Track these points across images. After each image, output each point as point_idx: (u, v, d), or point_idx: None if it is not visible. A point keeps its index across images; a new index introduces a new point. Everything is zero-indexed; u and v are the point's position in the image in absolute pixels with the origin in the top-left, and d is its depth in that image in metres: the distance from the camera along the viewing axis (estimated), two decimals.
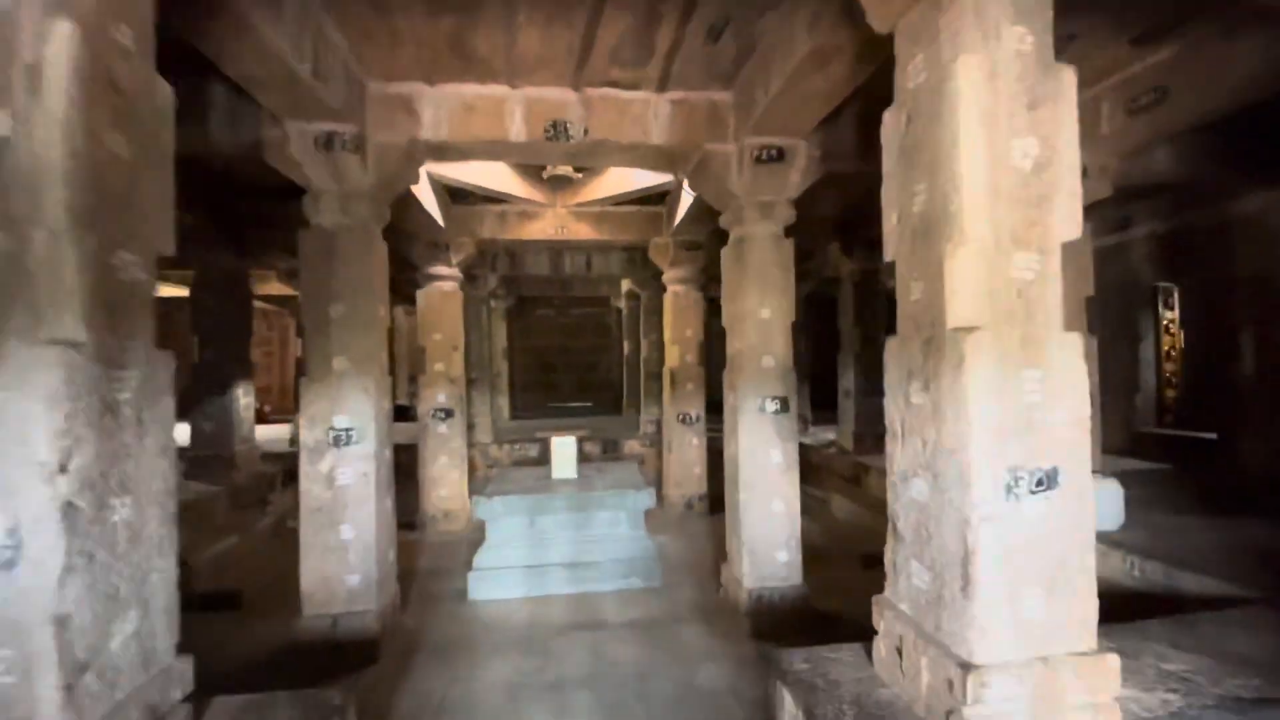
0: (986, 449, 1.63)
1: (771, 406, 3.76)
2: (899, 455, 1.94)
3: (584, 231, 6.16)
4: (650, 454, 8.22)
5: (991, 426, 1.63)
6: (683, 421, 6.33)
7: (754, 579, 3.72)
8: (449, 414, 6.02)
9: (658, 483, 6.97)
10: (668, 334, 6.50)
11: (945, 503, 1.72)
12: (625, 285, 10.32)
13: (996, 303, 1.65)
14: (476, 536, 4.66)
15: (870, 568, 4.83)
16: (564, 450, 4.91)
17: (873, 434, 6.71)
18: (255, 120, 3.42)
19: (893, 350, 1.97)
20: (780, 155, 3.59)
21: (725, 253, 4.04)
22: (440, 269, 6.01)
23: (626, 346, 11.30)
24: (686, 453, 6.34)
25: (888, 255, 2.00)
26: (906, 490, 1.91)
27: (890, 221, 1.99)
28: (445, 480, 6.01)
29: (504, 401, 11.04)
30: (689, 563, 4.97)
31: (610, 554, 4.41)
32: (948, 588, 1.71)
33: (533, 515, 4.39)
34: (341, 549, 3.42)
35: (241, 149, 3.50)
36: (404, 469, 6.45)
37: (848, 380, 6.81)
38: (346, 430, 3.44)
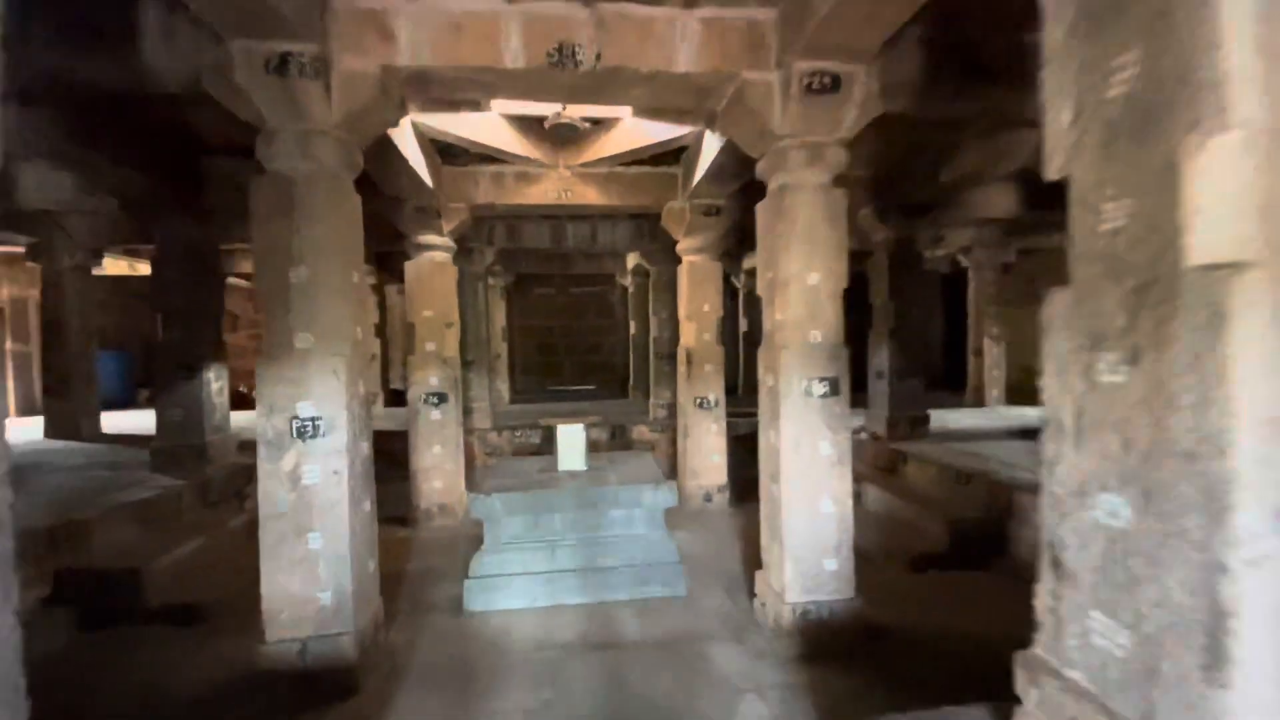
0: (1258, 456, 1.04)
1: (819, 389, 3.17)
2: (1070, 458, 1.35)
3: (590, 195, 5.53)
4: (661, 440, 7.66)
5: (1267, 420, 1.04)
6: (701, 406, 5.76)
7: (798, 591, 3.16)
8: (442, 399, 5.44)
9: (672, 472, 6.42)
10: (683, 309, 5.89)
11: (1170, 534, 1.13)
12: (632, 261, 9.69)
13: (1277, 226, 1.05)
14: (475, 532, 4.11)
15: (920, 570, 4.30)
16: (571, 439, 4.34)
17: (908, 419, 6.14)
18: (195, 41, 2.79)
19: (1062, 307, 1.37)
20: (835, 84, 2.95)
21: (762, 208, 3.42)
22: (430, 237, 5.38)
23: (633, 326, 10.69)
24: (705, 440, 5.77)
25: (1052, 171, 1.39)
26: (1084, 510, 1.32)
27: (1059, 122, 1.37)
28: (440, 471, 5.45)
29: (504, 385, 10.47)
30: (714, 565, 4.42)
31: (626, 558, 3.86)
32: (1172, 661, 1.13)
33: (537, 514, 3.83)
34: (310, 561, 2.85)
35: (181, 78, 2.87)
36: (397, 458, 5.92)
37: (880, 360, 6.22)
38: (313, 420, 2.86)
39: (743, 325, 11.01)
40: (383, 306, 10.29)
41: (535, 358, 12.63)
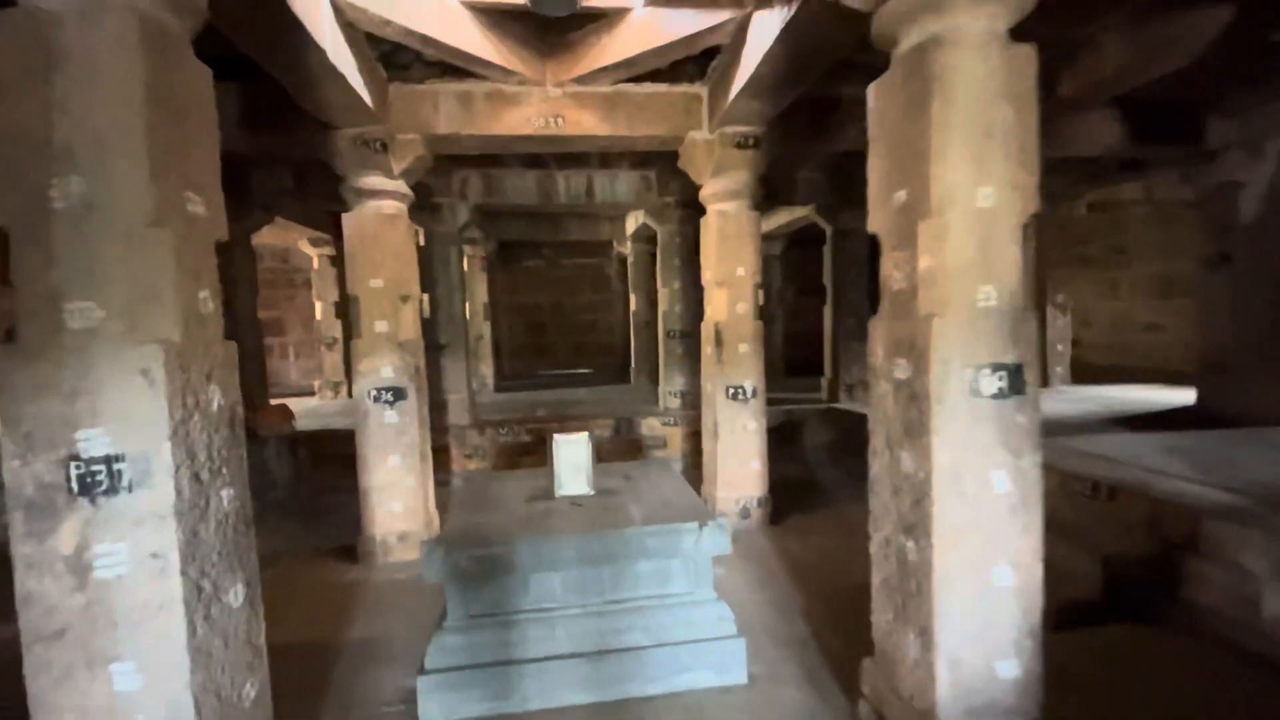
0: None
1: (992, 384, 1.90)
2: None
3: (587, 123, 4.18)
4: (675, 436, 6.41)
5: None
6: (735, 398, 4.48)
7: (957, 709, 1.93)
8: (399, 395, 4.13)
9: (694, 479, 5.18)
10: (709, 273, 4.58)
11: None
12: (633, 224, 8.32)
13: None
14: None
15: (1064, 627, 3.10)
16: (573, 455, 3.07)
17: None
18: None
19: None
20: None
21: (882, 89, 2.11)
22: (375, 180, 4.02)
23: (633, 301, 9.36)
24: (741, 441, 4.51)
25: None
26: None
27: None
28: (397, 490, 4.16)
29: (488, 370, 9.14)
30: (774, 622, 3.19)
31: (659, 633, 2.62)
32: None
33: (526, 574, 2.57)
34: (116, 715, 1.58)
35: None
36: (341, 462, 4.61)
37: None
38: (109, 462, 1.56)
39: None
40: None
41: (524, 339, 11.28)
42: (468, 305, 8.92)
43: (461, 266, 6.27)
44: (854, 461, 6.48)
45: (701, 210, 4.66)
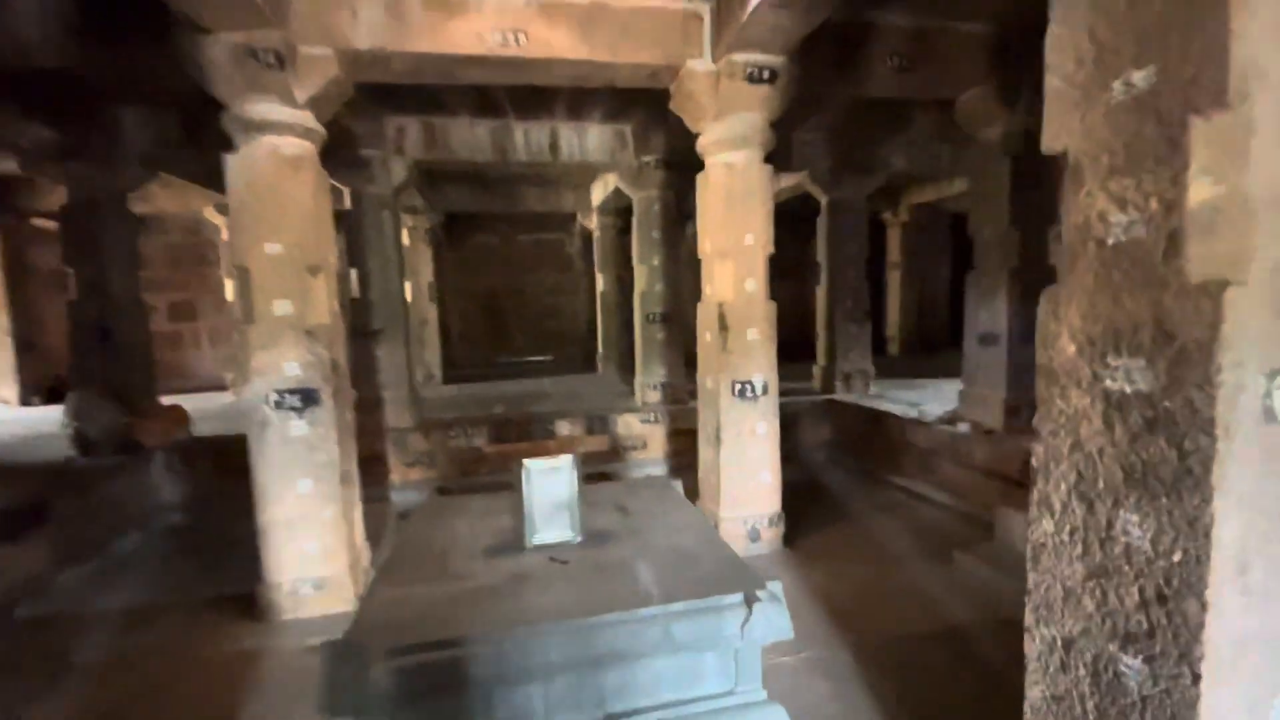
0: None
1: None
2: None
3: (558, 44, 3.21)
4: (654, 435, 5.55)
5: None
6: (743, 395, 3.65)
7: None
8: (309, 399, 3.11)
9: (687, 492, 4.35)
10: (709, 242, 3.71)
11: None
12: (600, 192, 7.35)
13: None
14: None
15: None
16: (551, 489, 2.16)
17: (1031, 402, 4.23)
18: None
19: None
20: None
21: None
22: (269, 108, 2.95)
23: (601, 281, 8.42)
24: (749, 448, 3.69)
25: None
26: None
27: None
28: (311, 524, 3.16)
29: (434, 360, 8.05)
30: (834, 707, 2.38)
31: None
32: None
33: (490, 687, 1.66)
34: None
35: None
36: (233, 484, 3.56)
37: (991, 316, 4.26)
38: None
39: None
40: None
41: (477, 324, 10.18)
42: (409, 285, 7.81)
43: (398, 236, 5.20)
44: (856, 461, 5.85)
45: (688, 172, 3.78)
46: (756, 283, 3.62)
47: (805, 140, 5.82)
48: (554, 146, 5.28)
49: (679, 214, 5.89)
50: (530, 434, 5.29)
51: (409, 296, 7.84)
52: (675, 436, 5.58)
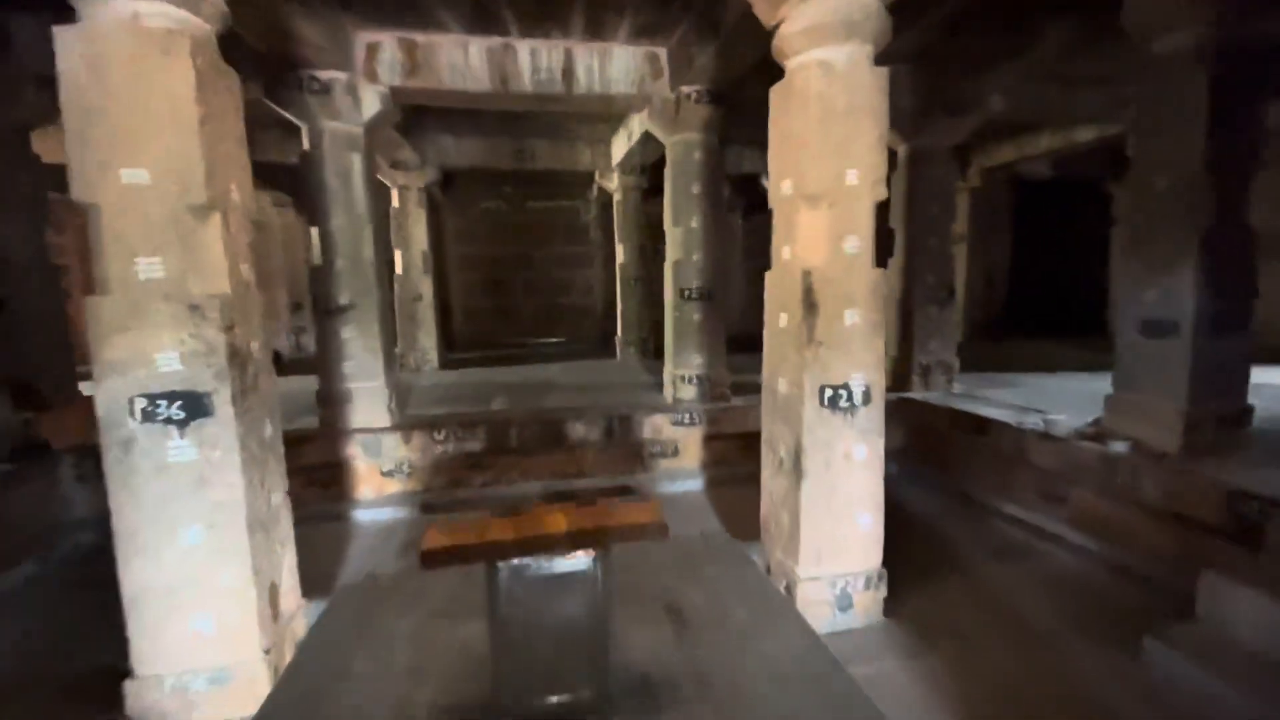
0: None
1: None
2: None
3: None
4: (689, 440, 4.47)
5: None
6: (835, 405, 2.54)
7: None
8: (195, 407, 2.05)
9: (728, 519, 3.28)
10: (788, 183, 2.57)
11: None
12: (622, 146, 6.20)
13: None
14: None
15: None
16: (548, 605, 1.08)
17: (1215, 415, 3.07)
18: None
19: None
20: None
21: None
22: None
23: (621, 253, 7.30)
24: (844, 480, 2.59)
25: None
26: None
27: None
28: (202, 593, 2.13)
29: (430, 342, 7.01)
30: None
31: None
32: None
33: None
34: None
35: None
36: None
37: (1165, 295, 3.08)
38: None
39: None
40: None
41: (480, 301, 9.10)
42: (400, 255, 6.74)
43: (372, 187, 4.09)
44: (943, 478, 4.36)
45: (741, 111, 2.63)
46: (861, 242, 2.49)
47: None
48: (568, 73, 4.12)
49: (721, 162, 4.73)
50: (535, 438, 4.24)
51: (400, 268, 6.79)
52: (714, 442, 4.50)
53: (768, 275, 2.77)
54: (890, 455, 4.74)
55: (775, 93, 2.65)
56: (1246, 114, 2.97)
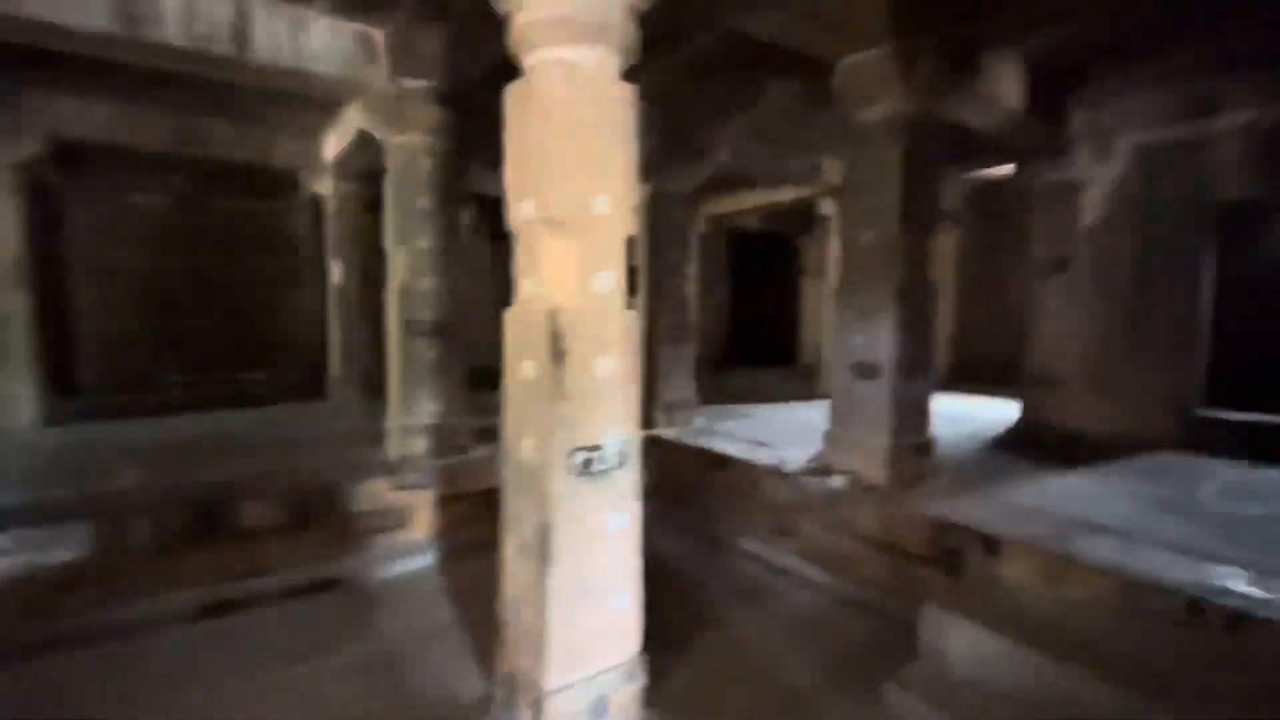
0: None
1: None
2: None
3: None
4: (419, 508, 3.67)
5: None
6: (586, 470, 2.11)
7: None
8: None
9: (468, 609, 2.61)
10: (529, 205, 2.10)
11: None
12: (337, 142, 5.20)
13: None
14: None
15: None
16: None
17: (912, 447, 3.46)
18: None
19: None
20: None
21: None
22: None
23: (336, 272, 6.10)
24: (597, 557, 2.16)
25: None
26: None
27: None
28: None
29: (26, 381, 4.89)
30: None
31: None
32: None
33: None
34: None
35: None
36: None
37: (871, 340, 3.39)
38: None
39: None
40: None
41: (132, 326, 6.80)
42: None
43: None
44: (689, 516, 4.20)
45: (481, 107, 2.16)
46: (615, 278, 2.13)
47: None
48: (240, 33, 3.10)
49: (459, 178, 4.13)
50: (181, 529, 3.01)
51: None
52: (451, 505, 3.79)
53: (508, 315, 2.26)
54: (644, 499, 4.59)
55: (512, 95, 2.18)
56: (931, 181, 3.46)
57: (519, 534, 2.25)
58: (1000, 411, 5.66)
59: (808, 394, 6.56)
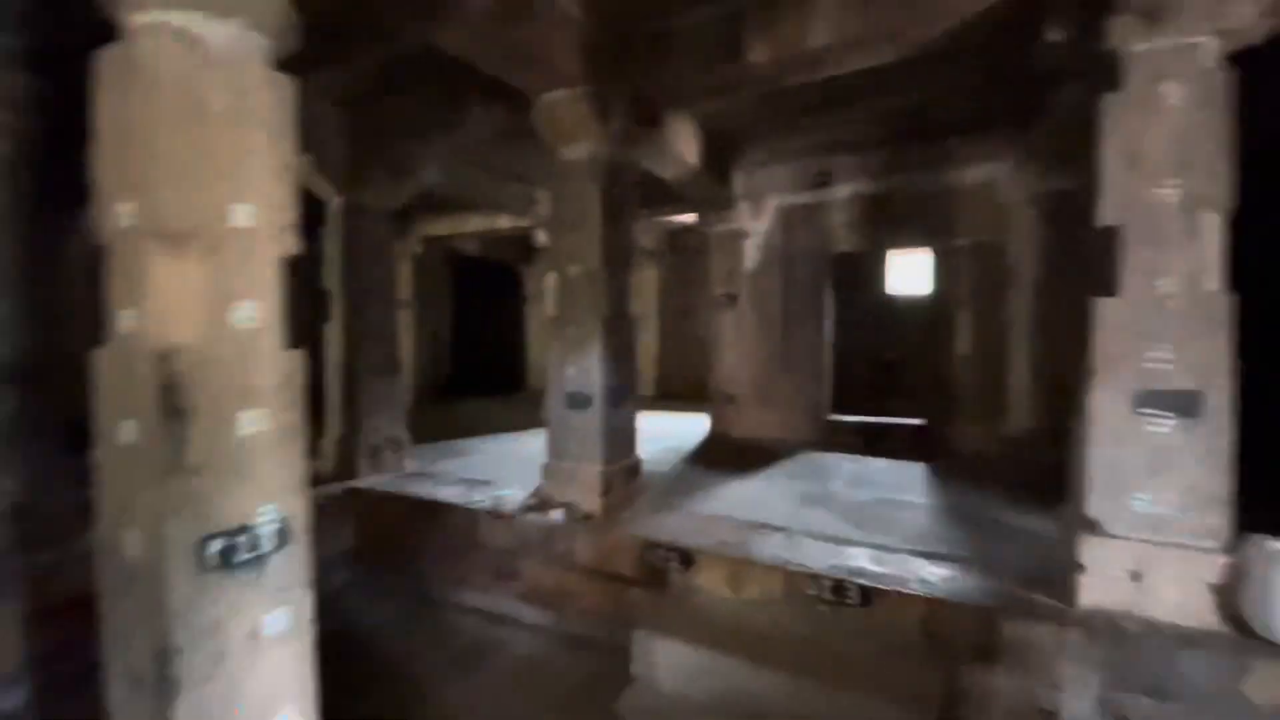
0: None
1: None
2: None
3: None
4: None
5: None
6: (227, 562, 1.61)
7: None
8: None
9: None
10: (131, 209, 1.56)
11: None
12: None
13: None
14: None
15: None
16: None
17: (623, 470, 3.58)
18: None
19: None
20: None
21: None
22: None
23: None
24: (247, 677, 1.65)
25: None
26: None
27: None
28: None
29: None
30: None
31: None
32: None
33: None
34: None
35: None
36: None
37: (582, 371, 3.42)
38: None
39: None
40: None
41: None
42: None
43: None
44: (401, 576, 3.79)
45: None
46: (263, 310, 1.69)
47: (315, 112, 3.93)
48: None
49: (70, 164, 3.05)
50: None
51: None
52: (49, 620, 2.68)
53: (98, 357, 1.63)
54: (339, 560, 3.93)
55: (107, 62, 1.61)
56: (628, 221, 3.67)
57: (124, 664, 1.63)
58: (697, 426, 6.37)
59: (536, 422, 6.52)
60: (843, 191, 5.37)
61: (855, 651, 2.43)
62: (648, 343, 9.48)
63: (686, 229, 8.41)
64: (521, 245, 9.49)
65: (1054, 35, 2.47)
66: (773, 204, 5.62)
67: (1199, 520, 2.16)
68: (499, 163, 5.43)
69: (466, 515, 3.64)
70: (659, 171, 4.68)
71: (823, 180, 5.41)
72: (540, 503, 3.54)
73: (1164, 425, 2.16)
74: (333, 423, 4.53)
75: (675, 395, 9.22)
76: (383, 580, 3.86)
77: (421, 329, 8.74)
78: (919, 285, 7.62)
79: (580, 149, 3.41)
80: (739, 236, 5.79)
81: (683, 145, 4.39)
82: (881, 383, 8.44)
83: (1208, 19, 2.09)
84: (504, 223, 7.47)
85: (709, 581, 2.91)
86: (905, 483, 4.25)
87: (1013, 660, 2.28)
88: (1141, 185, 2.20)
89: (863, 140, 4.96)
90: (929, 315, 5.55)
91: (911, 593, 2.50)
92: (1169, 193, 2.16)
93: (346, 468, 4.41)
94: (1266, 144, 3.37)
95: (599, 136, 3.34)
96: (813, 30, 2.91)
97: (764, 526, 3.26)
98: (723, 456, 5.11)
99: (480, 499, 3.75)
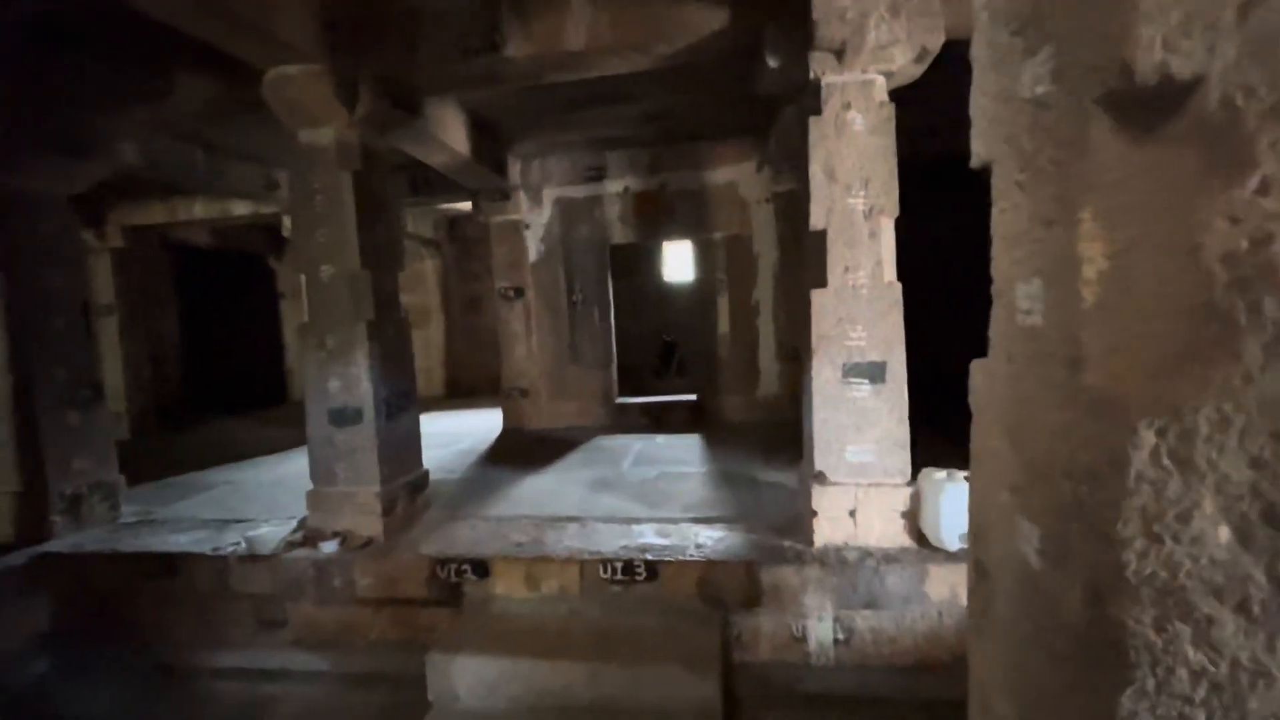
0: None
1: None
2: None
3: None
4: None
5: None
6: None
7: None
8: None
9: None
10: None
11: None
12: None
13: None
14: None
15: None
16: None
17: (408, 488, 3.35)
18: None
19: None
20: None
21: None
22: None
23: None
24: None
25: None
26: None
27: None
28: None
29: None
30: None
31: None
32: None
33: None
34: None
35: None
36: None
37: (347, 383, 3.09)
38: None
39: None
40: None
41: None
42: None
43: None
44: (123, 653, 2.99)
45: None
46: None
47: None
48: None
49: None
50: None
51: None
52: None
53: None
54: (30, 648, 3.11)
55: None
56: (390, 212, 3.38)
57: None
58: (490, 423, 6.22)
59: (304, 439, 5.74)
60: (615, 186, 5.61)
61: (646, 626, 2.62)
62: (434, 338, 8.95)
63: (466, 217, 8.07)
64: (269, 234, 8.24)
65: (773, 61, 2.84)
66: (551, 195, 5.66)
67: (891, 462, 2.74)
68: (224, 140, 4.61)
69: (213, 564, 3.10)
70: (425, 159, 4.40)
71: (596, 175, 5.60)
72: (308, 536, 3.16)
73: (862, 390, 2.69)
74: (3, 473, 3.50)
75: (468, 392, 8.88)
76: (101, 661, 3.12)
77: (134, 340, 7.13)
78: (688, 273, 8.37)
79: (324, 134, 3.05)
80: (519, 227, 5.73)
81: (449, 133, 4.18)
82: (662, 364, 9.12)
83: (874, 61, 2.59)
84: (242, 209, 6.39)
85: (507, 587, 2.89)
86: (684, 455, 4.67)
87: (770, 601, 2.66)
88: (839, 195, 2.67)
89: (632, 138, 5.23)
90: (696, 300, 6.12)
91: (689, 559, 2.77)
92: (858, 202, 2.65)
93: (32, 528, 3.45)
94: (925, 160, 4.32)
95: (345, 120, 3.02)
96: (568, 33, 2.95)
97: (558, 519, 3.33)
98: (517, 452, 5.08)
99: (231, 541, 3.22)
